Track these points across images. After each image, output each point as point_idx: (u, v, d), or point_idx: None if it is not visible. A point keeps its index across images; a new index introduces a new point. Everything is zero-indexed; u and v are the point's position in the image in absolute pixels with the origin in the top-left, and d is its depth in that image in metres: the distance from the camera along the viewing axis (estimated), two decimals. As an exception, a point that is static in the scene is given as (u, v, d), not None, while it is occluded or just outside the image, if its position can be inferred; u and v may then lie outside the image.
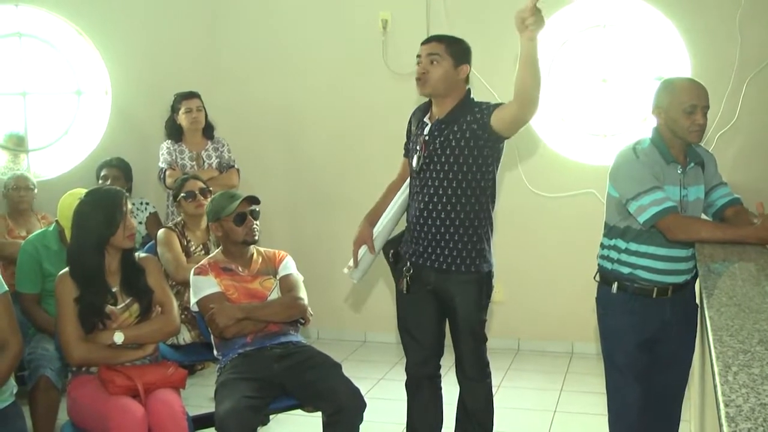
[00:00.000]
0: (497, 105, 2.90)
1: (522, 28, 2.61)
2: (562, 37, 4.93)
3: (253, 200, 3.30)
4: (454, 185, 2.93)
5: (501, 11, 4.81)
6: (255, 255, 3.32)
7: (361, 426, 2.94)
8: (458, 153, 2.91)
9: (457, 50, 2.95)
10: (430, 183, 2.96)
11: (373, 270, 3.31)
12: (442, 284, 3.01)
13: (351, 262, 3.21)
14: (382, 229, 3.17)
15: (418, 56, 2.97)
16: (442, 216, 2.95)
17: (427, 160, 2.95)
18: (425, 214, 2.98)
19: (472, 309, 3.01)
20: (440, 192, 2.94)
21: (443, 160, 2.92)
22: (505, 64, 4.75)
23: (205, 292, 3.15)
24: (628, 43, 4.88)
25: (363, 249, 3.17)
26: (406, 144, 3.21)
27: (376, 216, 3.20)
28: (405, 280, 3.06)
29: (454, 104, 2.96)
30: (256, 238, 3.28)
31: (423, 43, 3.01)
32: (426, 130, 2.99)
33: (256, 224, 3.27)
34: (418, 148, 2.99)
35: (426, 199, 2.97)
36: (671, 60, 4.72)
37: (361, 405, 2.94)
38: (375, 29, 5.07)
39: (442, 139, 2.93)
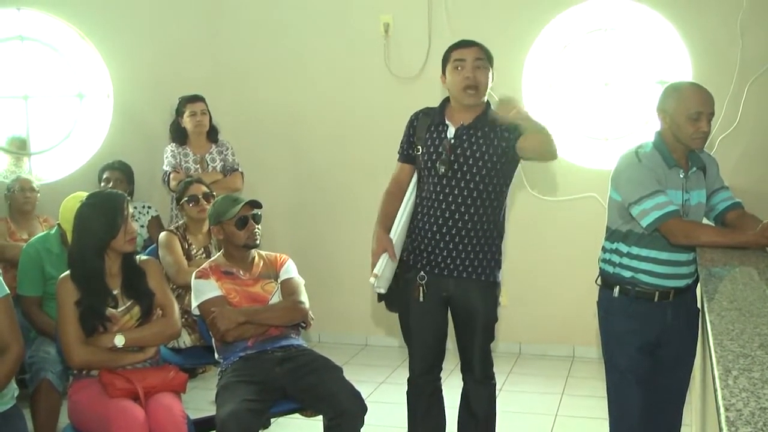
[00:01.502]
0: (520, 134, 2.90)
1: (515, 119, 2.78)
2: (563, 41, 4.93)
3: (255, 204, 3.30)
4: (481, 188, 2.92)
5: (503, 16, 4.88)
6: (256, 258, 3.32)
7: (362, 430, 2.93)
8: (488, 158, 2.91)
9: (490, 57, 2.97)
10: (458, 190, 2.92)
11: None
12: (461, 291, 2.99)
13: (376, 270, 2.99)
14: (397, 236, 3.04)
15: (460, 60, 2.89)
16: (466, 219, 2.92)
17: (455, 165, 2.92)
18: (451, 222, 2.93)
19: (491, 309, 3.03)
20: (465, 194, 2.91)
21: (471, 163, 2.90)
22: (506, 69, 4.76)
23: (206, 295, 3.15)
24: (629, 47, 4.88)
25: (384, 257, 2.99)
26: (405, 149, 3.09)
27: (389, 223, 3.06)
28: (421, 289, 2.99)
29: (480, 110, 2.96)
30: (258, 242, 3.28)
31: (463, 47, 2.93)
32: (451, 134, 2.95)
33: (258, 228, 3.27)
34: (440, 151, 2.94)
35: (454, 206, 2.92)
36: (673, 63, 4.72)
37: (362, 409, 2.93)
38: (377, 33, 5.07)
39: (472, 142, 2.92)
